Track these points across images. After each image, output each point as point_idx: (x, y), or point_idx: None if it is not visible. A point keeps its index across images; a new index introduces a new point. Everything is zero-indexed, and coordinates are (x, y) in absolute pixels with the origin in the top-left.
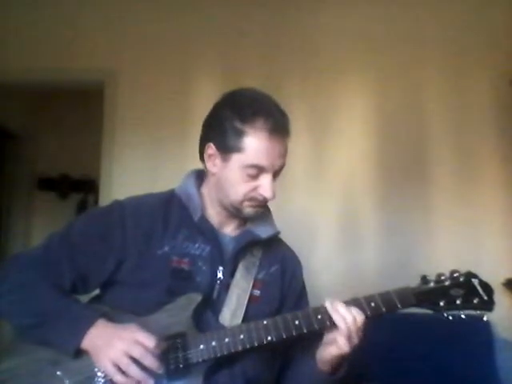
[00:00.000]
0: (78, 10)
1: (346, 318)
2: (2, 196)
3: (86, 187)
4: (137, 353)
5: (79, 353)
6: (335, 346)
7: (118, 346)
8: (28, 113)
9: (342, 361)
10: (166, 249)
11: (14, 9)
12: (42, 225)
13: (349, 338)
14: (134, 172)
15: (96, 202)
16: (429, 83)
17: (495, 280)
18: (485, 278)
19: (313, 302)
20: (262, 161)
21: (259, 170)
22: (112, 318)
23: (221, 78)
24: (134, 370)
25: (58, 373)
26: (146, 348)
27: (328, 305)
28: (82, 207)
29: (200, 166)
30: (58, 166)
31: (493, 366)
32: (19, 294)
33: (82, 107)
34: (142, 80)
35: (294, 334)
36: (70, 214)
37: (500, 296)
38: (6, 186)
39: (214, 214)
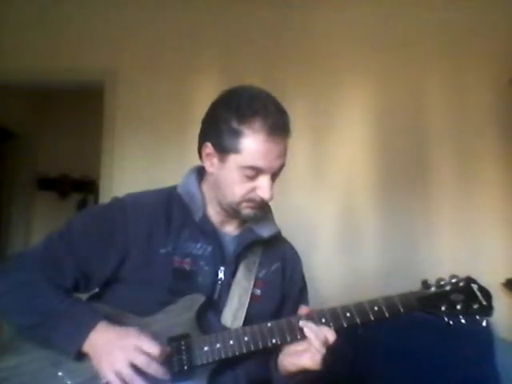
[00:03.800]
0: (78, 10)
1: (319, 337)
2: (2, 196)
3: (86, 187)
4: (140, 361)
5: (81, 355)
6: (306, 358)
7: (120, 356)
8: (28, 113)
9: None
10: (170, 248)
11: (14, 9)
12: (42, 225)
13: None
14: (133, 172)
15: (96, 202)
16: (429, 83)
17: (495, 280)
18: (485, 278)
19: (312, 302)
20: (260, 162)
21: (257, 171)
22: (113, 319)
23: (220, 77)
24: (138, 382)
25: (60, 373)
26: (149, 355)
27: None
28: (81, 207)
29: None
30: (58, 166)
31: (493, 365)
32: (18, 294)
33: (81, 107)
34: (141, 80)
35: (298, 337)
36: (69, 214)
37: (500, 296)
38: (6, 186)
39: (214, 214)
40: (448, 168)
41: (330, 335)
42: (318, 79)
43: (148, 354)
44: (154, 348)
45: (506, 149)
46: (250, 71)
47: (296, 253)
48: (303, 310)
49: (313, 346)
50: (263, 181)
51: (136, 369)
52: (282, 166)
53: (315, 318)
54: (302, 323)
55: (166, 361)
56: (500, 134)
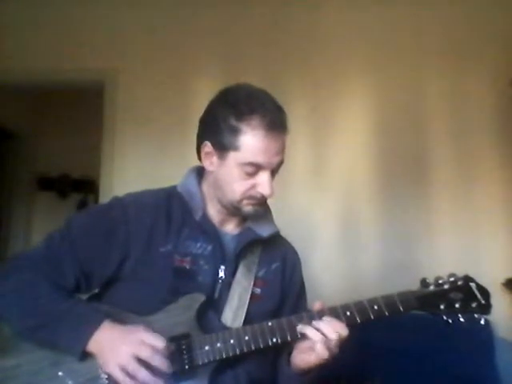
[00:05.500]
0: (78, 10)
1: (326, 335)
2: (2, 196)
3: (86, 187)
4: (145, 354)
5: (85, 355)
6: (314, 354)
7: (125, 350)
8: (28, 113)
9: (316, 366)
10: (169, 247)
11: (14, 9)
12: (42, 225)
13: (329, 348)
14: (134, 172)
15: (96, 202)
16: (429, 83)
17: (495, 280)
18: (485, 278)
19: (311, 302)
20: (259, 158)
21: (257, 167)
22: (115, 319)
23: (221, 77)
24: (143, 374)
25: (60, 373)
26: (154, 349)
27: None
28: (81, 207)
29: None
30: (58, 166)
31: (493, 365)
32: (20, 295)
33: (81, 107)
34: (141, 80)
35: (299, 336)
36: (69, 214)
37: (500, 296)
38: (6, 185)
39: (214, 213)
40: (448, 168)
41: (342, 330)
42: (317, 79)
43: (152, 347)
44: (158, 341)
45: (506, 149)
46: (250, 71)
47: (296, 253)
48: (317, 305)
49: (314, 342)
50: (263, 177)
51: (141, 362)
52: (280, 163)
53: (324, 313)
54: (299, 328)
55: (168, 360)
56: (500, 135)
